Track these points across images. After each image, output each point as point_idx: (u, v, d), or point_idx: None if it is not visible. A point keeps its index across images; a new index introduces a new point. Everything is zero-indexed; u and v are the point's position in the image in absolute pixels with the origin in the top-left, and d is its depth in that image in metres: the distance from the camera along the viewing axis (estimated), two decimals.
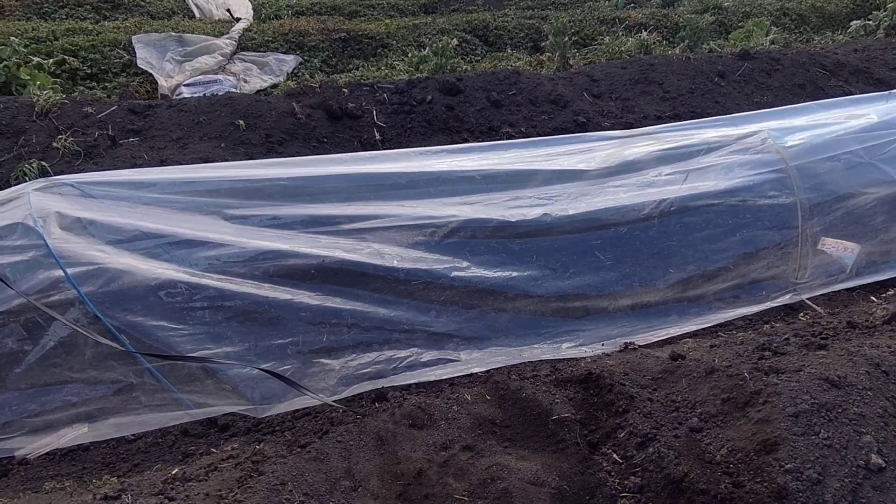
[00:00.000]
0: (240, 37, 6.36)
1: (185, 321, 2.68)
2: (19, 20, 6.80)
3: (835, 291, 3.50)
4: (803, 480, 1.62)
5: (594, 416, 2.05)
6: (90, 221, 2.82)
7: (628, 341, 2.93)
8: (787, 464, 1.65)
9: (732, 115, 4.25)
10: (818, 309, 3.10)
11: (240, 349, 2.71)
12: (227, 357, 2.68)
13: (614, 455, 1.89)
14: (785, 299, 3.40)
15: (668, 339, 3.07)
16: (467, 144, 3.67)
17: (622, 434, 1.92)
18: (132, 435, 2.62)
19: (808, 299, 3.35)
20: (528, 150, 3.65)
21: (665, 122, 4.80)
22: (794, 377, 1.90)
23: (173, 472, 2.07)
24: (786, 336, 2.41)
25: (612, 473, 1.83)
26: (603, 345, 3.02)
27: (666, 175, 3.66)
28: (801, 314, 3.07)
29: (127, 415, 2.65)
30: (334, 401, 2.70)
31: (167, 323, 2.65)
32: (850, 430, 1.72)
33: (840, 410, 1.76)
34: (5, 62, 4.93)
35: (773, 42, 6.59)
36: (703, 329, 3.16)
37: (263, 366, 2.72)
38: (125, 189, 2.97)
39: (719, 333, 3.07)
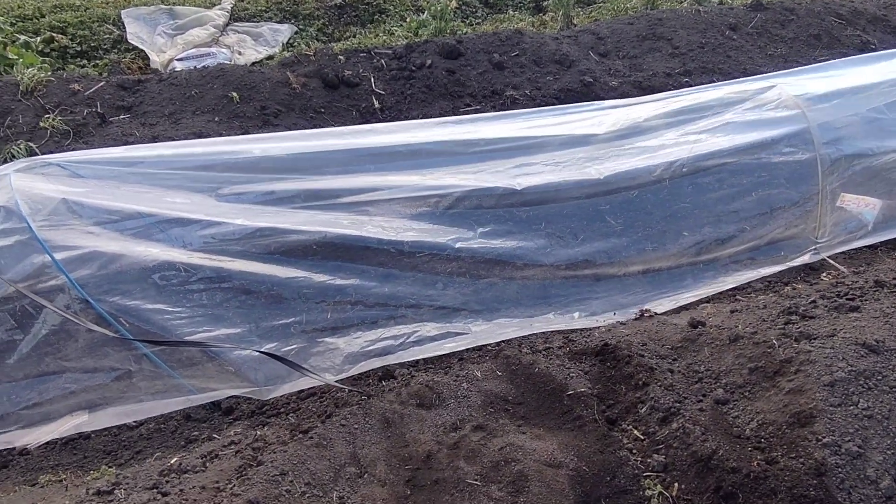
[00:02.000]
0: (232, 7, 6.11)
1: (183, 303, 2.56)
2: None
3: (855, 249, 3.34)
4: (842, 454, 1.49)
5: (612, 390, 1.92)
6: (77, 202, 2.67)
7: (644, 308, 2.80)
8: (824, 437, 1.51)
9: (747, 78, 4.02)
10: (841, 268, 2.93)
11: (241, 330, 2.59)
12: (228, 339, 2.57)
13: (635, 431, 1.76)
14: (805, 259, 3.24)
15: (685, 304, 2.93)
16: (470, 116, 3.48)
17: (643, 409, 1.79)
18: (134, 421, 2.52)
19: (828, 258, 3.19)
20: (534, 118, 3.47)
21: (675, 79, 4.59)
22: (827, 343, 1.76)
23: (171, 462, 1.97)
24: (812, 298, 2.26)
25: (634, 451, 1.71)
26: (615, 313, 2.89)
27: (678, 135, 3.48)
28: (824, 274, 2.91)
29: (127, 402, 2.55)
30: (340, 380, 2.59)
31: (163, 306, 2.53)
32: (891, 398, 1.58)
33: (880, 378, 1.62)
34: None
35: None
36: (721, 293, 3.02)
37: (266, 346, 2.60)
38: (114, 167, 2.81)
39: (738, 297, 2.93)
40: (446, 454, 1.76)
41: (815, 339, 1.81)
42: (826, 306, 2.11)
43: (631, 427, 1.78)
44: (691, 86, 4.45)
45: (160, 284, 2.56)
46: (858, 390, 1.60)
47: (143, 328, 2.49)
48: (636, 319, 2.64)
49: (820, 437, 1.52)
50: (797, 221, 3.37)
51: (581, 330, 2.69)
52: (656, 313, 2.68)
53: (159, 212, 2.68)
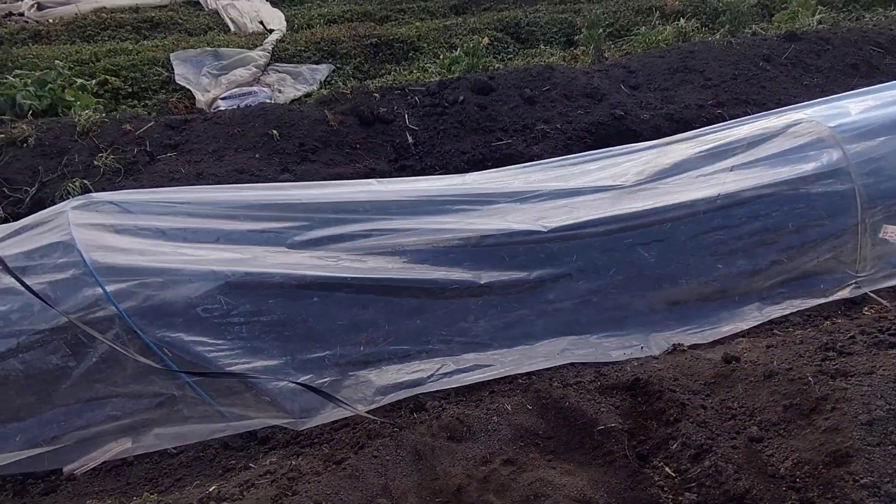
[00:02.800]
0: (273, 48, 6.41)
1: (224, 335, 2.67)
2: (64, 44, 7.03)
3: None
4: (881, 497, 1.46)
5: (643, 426, 1.92)
6: (129, 238, 2.84)
7: (676, 342, 2.78)
8: (862, 478, 1.49)
9: (780, 109, 4.02)
10: (884, 302, 2.87)
11: (278, 362, 2.68)
12: (265, 370, 2.66)
13: (667, 468, 1.76)
14: (845, 293, 3.18)
15: (719, 339, 2.90)
16: (499, 169, 3.56)
17: (674, 445, 1.78)
18: (174, 449, 2.62)
19: (872, 292, 3.12)
20: (560, 168, 3.57)
21: (707, 110, 4.60)
22: (864, 380, 1.73)
23: (210, 490, 2.04)
24: (851, 334, 2.22)
25: (665, 489, 1.70)
26: (648, 347, 2.89)
27: (711, 170, 3.50)
28: (866, 308, 2.85)
29: (170, 426, 2.65)
30: (372, 411, 2.65)
31: (206, 338, 2.64)
32: None
33: None
34: (50, 85, 5.08)
35: (820, 22, 6.24)
36: (757, 327, 2.98)
37: (301, 378, 2.69)
38: (162, 206, 3.00)
39: (775, 332, 2.88)
40: (476, 488, 1.78)
41: (851, 376, 1.78)
42: (865, 342, 2.08)
43: (662, 464, 1.77)
44: (724, 117, 4.46)
45: (203, 317, 2.67)
46: None
47: (186, 358, 2.60)
48: (669, 353, 2.63)
49: (858, 478, 1.49)
50: (836, 254, 3.32)
51: (612, 363, 2.69)
52: (689, 347, 2.66)
53: (205, 253, 2.83)
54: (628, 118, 4.47)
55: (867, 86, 4.69)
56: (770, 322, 2.98)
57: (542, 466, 1.84)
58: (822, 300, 3.14)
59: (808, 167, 3.42)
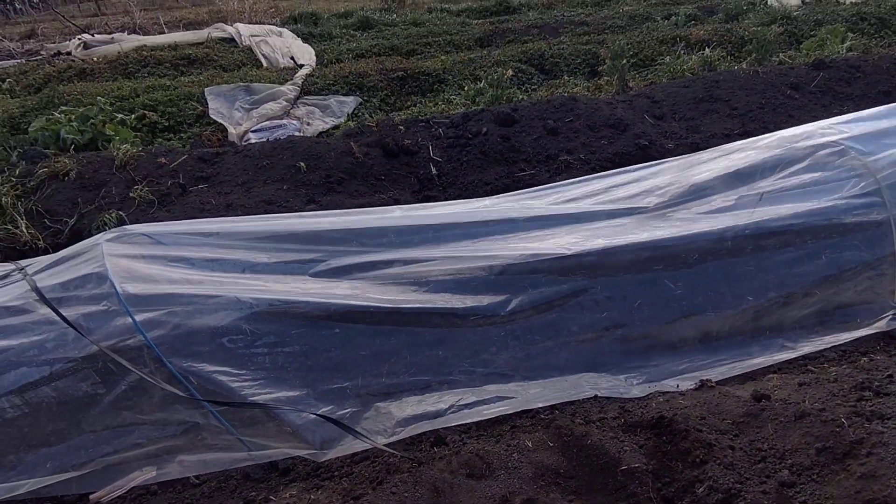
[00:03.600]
0: (303, 82, 6.58)
1: (247, 365, 2.68)
2: (107, 81, 7.33)
3: None
4: None
5: (668, 467, 1.85)
6: (160, 270, 2.90)
7: (704, 378, 2.70)
8: None
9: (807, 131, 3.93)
10: None
11: (300, 393, 2.68)
12: (287, 401, 2.66)
13: None
14: (881, 325, 3.06)
15: (749, 373, 2.81)
16: (520, 192, 3.57)
17: (701, 489, 1.71)
18: (196, 479, 2.62)
19: None
20: (584, 186, 3.54)
21: (734, 140, 4.53)
22: None
23: None
24: (889, 372, 2.12)
25: None
26: (667, 380, 2.81)
27: (737, 197, 3.44)
28: None
29: (193, 454, 2.66)
30: (392, 444, 2.62)
31: (229, 367, 2.66)
32: None
33: None
34: (92, 120, 5.29)
35: (850, 49, 6.14)
36: (790, 362, 2.87)
37: (322, 409, 2.68)
38: (193, 237, 3.06)
39: (809, 368, 2.78)
40: None
41: (889, 419, 1.70)
42: None
43: None
44: None
45: (227, 346, 2.70)
46: None
47: (209, 388, 2.62)
48: (696, 389, 2.55)
49: None
50: (871, 285, 3.21)
51: (637, 400, 2.61)
52: (717, 383, 2.58)
53: (231, 283, 2.87)
54: (652, 148, 4.44)
55: None
56: (804, 357, 2.87)
57: None
58: (858, 333, 3.02)
59: (840, 195, 3.33)
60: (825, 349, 2.94)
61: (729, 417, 1.99)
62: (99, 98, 5.91)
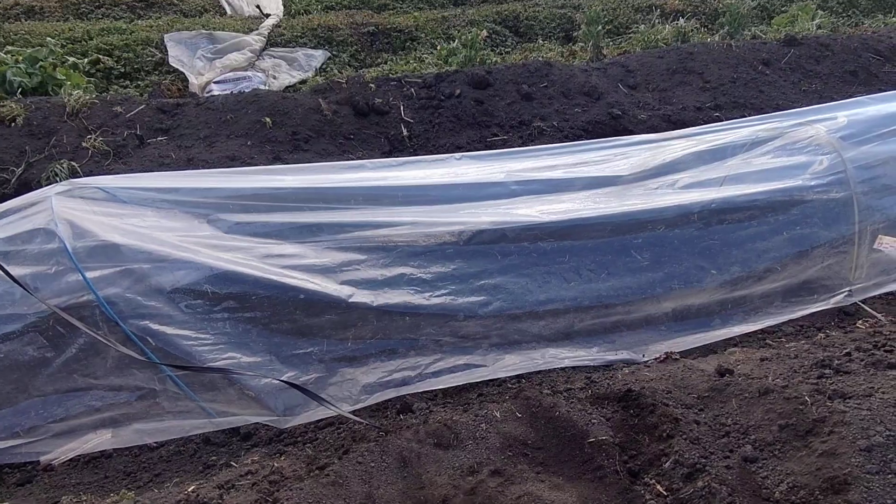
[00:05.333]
0: (269, 33, 6.25)
1: (207, 329, 2.57)
2: (58, 21, 6.82)
3: (891, 293, 3.21)
4: None
5: (635, 440, 1.84)
6: (113, 225, 2.72)
7: (669, 351, 2.71)
8: None
9: (779, 113, 3.93)
10: (878, 316, 2.81)
11: (262, 359, 2.59)
12: (249, 366, 2.56)
13: (658, 486, 1.69)
14: (838, 300, 3.12)
15: (710, 345, 2.84)
16: (495, 151, 3.47)
17: (667, 463, 1.71)
18: (155, 442, 2.53)
19: (863, 301, 3.07)
20: (559, 155, 3.46)
21: (705, 113, 4.51)
22: (864, 403, 1.67)
23: (188, 490, 1.95)
24: (846, 350, 2.16)
25: None
26: (633, 351, 2.83)
27: (708, 174, 3.42)
28: (860, 321, 2.79)
29: (150, 421, 2.56)
30: (357, 411, 2.56)
31: (189, 331, 2.54)
32: None
33: None
34: (42, 63, 4.91)
35: (819, 27, 6.15)
36: (750, 335, 2.92)
37: (286, 375, 2.59)
38: (150, 193, 2.87)
39: (768, 341, 2.82)
40: (462, 500, 1.71)
41: (850, 398, 1.72)
42: (862, 360, 2.01)
43: (654, 481, 1.70)
44: (721, 120, 4.38)
45: (186, 309, 2.57)
46: None
47: (168, 351, 2.51)
48: (661, 362, 2.56)
49: None
50: (831, 263, 3.26)
51: (603, 370, 2.62)
52: (682, 356, 2.59)
53: (192, 243, 2.71)
54: (625, 118, 4.38)
55: (866, 93, 4.63)
56: (763, 331, 2.92)
57: (531, 479, 1.77)
58: (815, 308, 3.08)
59: (805, 173, 3.35)
60: (783, 323, 2.99)
61: (694, 392, 2.00)
62: (49, 39, 5.49)
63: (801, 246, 3.25)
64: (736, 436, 1.76)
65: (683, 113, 4.44)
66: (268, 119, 4.18)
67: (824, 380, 1.89)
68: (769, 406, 1.80)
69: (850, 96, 4.62)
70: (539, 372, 2.64)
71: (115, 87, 5.48)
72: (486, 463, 1.83)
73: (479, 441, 1.91)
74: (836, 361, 2.01)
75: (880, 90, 4.74)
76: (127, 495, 2.07)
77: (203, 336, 2.54)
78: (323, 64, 6.00)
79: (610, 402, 2.01)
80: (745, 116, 4.24)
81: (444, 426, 1.99)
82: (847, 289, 3.17)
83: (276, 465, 2.03)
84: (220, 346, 2.55)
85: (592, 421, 1.92)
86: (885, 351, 2.12)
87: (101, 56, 5.65)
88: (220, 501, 1.84)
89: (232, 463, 2.28)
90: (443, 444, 1.92)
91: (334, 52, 6.20)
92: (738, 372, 2.13)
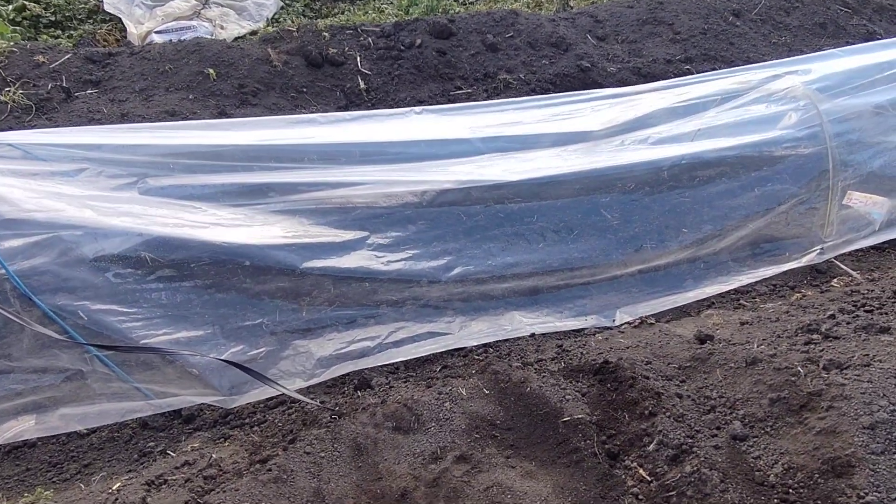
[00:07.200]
0: None
1: (139, 303, 2.24)
2: None
3: (861, 250, 3.08)
4: None
5: (613, 418, 1.64)
6: (27, 188, 2.34)
7: (643, 314, 2.52)
8: (867, 493, 1.25)
9: (752, 66, 3.70)
10: (853, 273, 2.67)
11: (204, 332, 2.29)
12: (189, 342, 2.26)
13: (640, 471, 1.49)
14: (810, 258, 2.97)
15: (684, 307, 2.67)
16: (458, 104, 3.15)
17: (650, 444, 1.52)
18: (86, 429, 2.23)
19: (835, 258, 2.93)
20: (526, 110, 3.16)
21: (676, 66, 4.26)
22: (863, 374, 1.49)
23: (114, 488, 1.68)
24: (830, 312, 1.98)
25: (641, 497, 1.44)
26: (603, 316, 2.64)
27: (679, 128, 3.18)
28: (835, 280, 2.64)
29: (79, 405, 2.24)
30: (313, 387, 2.31)
31: (118, 306, 2.21)
32: None
33: None
34: None
35: None
36: (723, 295, 2.75)
37: (232, 349, 2.31)
38: (72, 151, 2.48)
39: (742, 302, 2.66)
40: (424, 493, 1.48)
41: (846, 367, 1.54)
42: (849, 323, 1.84)
43: (636, 465, 1.51)
44: (692, 73, 4.14)
45: (114, 281, 2.24)
46: None
47: (95, 330, 2.18)
48: (635, 327, 2.37)
49: (862, 494, 1.25)
50: (803, 220, 3.10)
51: (574, 337, 2.41)
52: (657, 319, 2.40)
53: (121, 208, 2.36)
54: (594, 70, 4.10)
55: (834, 46, 4.45)
56: (736, 291, 2.75)
57: (501, 465, 1.55)
58: (787, 266, 2.93)
59: (779, 126, 3.14)
60: (756, 282, 2.84)
61: (675, 361, 1.80)
62: None
63: (772, 203, 3.07)
64: (723, 410, 1.57)
65: (654, 66, 4.18)
66: (211, 71, 3.74)
67: (814, 346, 1.71)
68: (757, 377, 1.61)
69: (819, 49, 4.43)
70: (507, 341, 2.43)
71: (45, 36, 4.89)
72: (450, 448, 1.60)
73: (443, 423, 1.68)
74: (824, 326, 1.83)
75: (848, 43, 4.56)
76: (43, 494, 1.79)
77: (134, 310, 2.22)
78: (275, 13, 5.48)
79: (585, 374, 1.80)
80: (715, 70, 4.01)
81: (404, 406, 1.75)
82: (819, 246, 3.03)
83: (215, 455, 1.77)
84: (156, 320, 2.24)
85: (567, 397, 1.71)
86: (868, 312, 1.96)
87: (27, 2, 5.02)
88: None
89: (169, 451, 2.00)
90: (403, 427, 1.68)
91: (287, 2, 5.68)
92: (719, 338, 1.94)
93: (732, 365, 1.70)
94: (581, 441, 1.57)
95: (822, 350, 1.67)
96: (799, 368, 1.57)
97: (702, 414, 1.58)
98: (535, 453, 1.58)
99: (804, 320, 1.92)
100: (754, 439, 1.48)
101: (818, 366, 1.57)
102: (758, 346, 1.77)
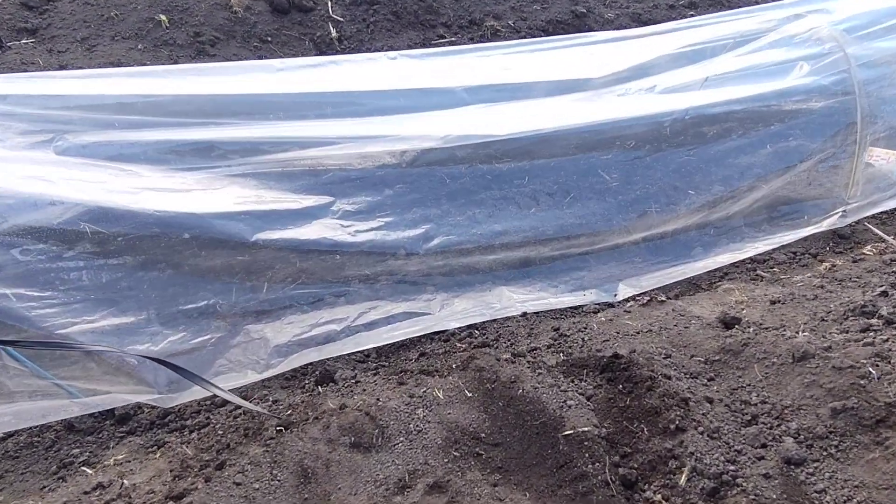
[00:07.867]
0: None
1: (55, 285, 1.81)
2: None
3: (885, 212, 2.68)
4: None
5: (628, 431, 1.25)
6: None
7: (649, 289, 2.12)
8: None
9: (771, 4, 3.19)
10: (889, 238, 2.27)
11: (135, 319, 1.86)
12: (118, 329, 1.84)
13: None
14: (832, 221, 2.57)
15: (693, 279, 2.27)
16: (439, 48, 2.68)
17: (679, 472, 1.13)
18: (2, 433, 1.83)
19: (869, 224, 2.53)
20: (516, 56, 2.67)
21: (679, 11, 3.76)
22: None
23: None
24: (880, 288, 1.58)
25: None
26: (603, 290, 2.25)
27: (688, 77, 2.72)
28: (867, 246, 2.24)
29: None
30: (268, 380, 1.91)
31: (27, 289, 1.77)
32: None
33: None
34: None
35: None
36: (737, 264, 2.35)
37: (171, 338, 1.89)
38: None
39: (759, 273, 2.26)
40: None
41: None
42: None
43: (660, 498, 1.12)
44: None
45: (23, 260, 1.79)
46: None
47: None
48: (643, 305, 1.96)
49: None
50: (824, 179, 2.67)
51: (574, 317, 2.01)
52: (668, 298, 2.00)
53: (39, 171, 1.89)
54: (591, 17, 3.59)
55: None
56: (752, 260, 2.35)
57: (486, 497, 1.16)
58: (805, 232, 2.53)
59: (801, 74, 2.69)
60: (772, 250, 2.44)
61: (699, 353, 1.40)
62: None
63: (792, 160, 2.64)
64: (768, 422, 1.19)
65: (655, 11, 3.68)
66: (163, 17, 3.21)
67: (876, 335, 1.31)
68: (810, 378, 1.22)
69: None
70: (495, 322, 2.02)
71: None
72: (422, 472, 1.21)
73: (414, 437, 1.29)
74: (883, 308, 1.43)
75: None
76: None
77: (47, 293, 1.78)
78: None
79: (590, 371, 1.40)
80: None
81: (366, 415, 1.35)
82: (842, 208, 2.61)
83: (127, 482, 1.37)
84: (74, 305, 1.80)
85: (568, 402, 1.31)
86: None
87: None
88: None
89: (91, 463, 1.61)
90: (363, 443, 1.28)
91: None
92: (748, 321, 1.55)
93: (775, 360, 1.30)
94: (588, 464, 1.18)
95: (890, 341, 1.28)
96: (869, 369, 1.18)
97: (741, 426, 1.19)
98: (529, 479, 1.19)
99: (850, 298, 1.52)
100: (815, 464, 1.09)
101: (891, 364, 1.18)
102: (802, 334, 1.37)
